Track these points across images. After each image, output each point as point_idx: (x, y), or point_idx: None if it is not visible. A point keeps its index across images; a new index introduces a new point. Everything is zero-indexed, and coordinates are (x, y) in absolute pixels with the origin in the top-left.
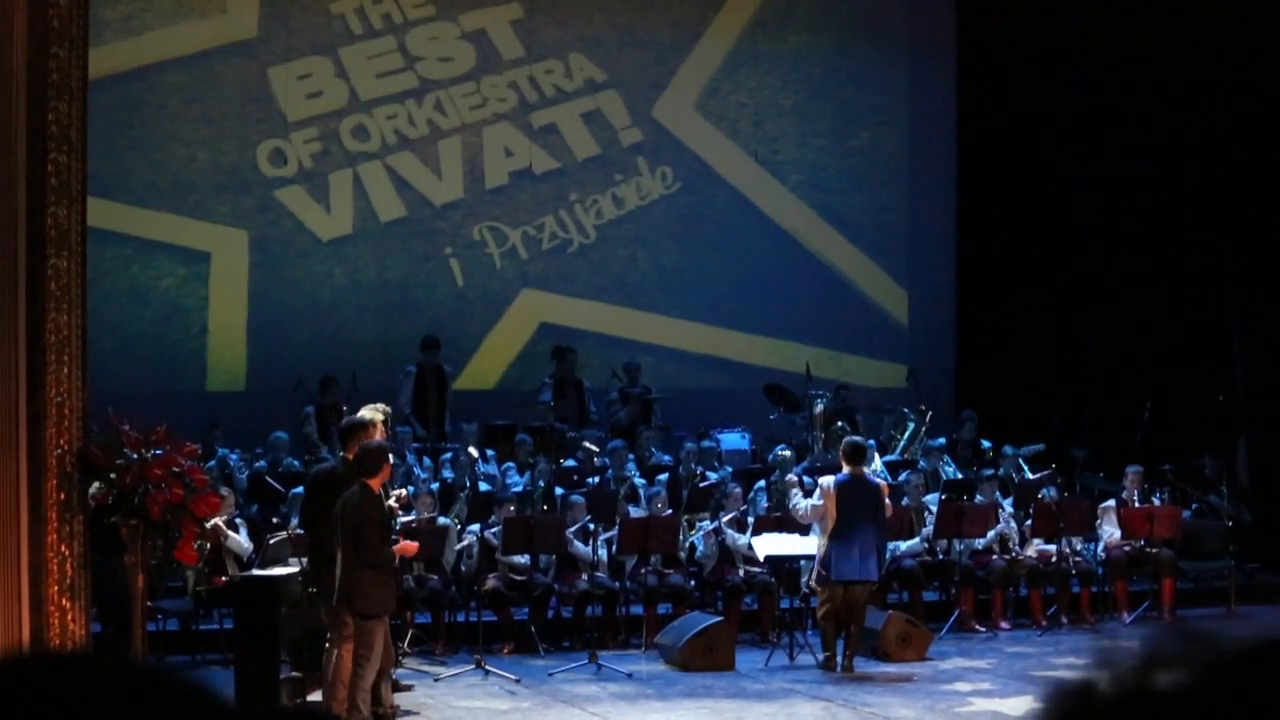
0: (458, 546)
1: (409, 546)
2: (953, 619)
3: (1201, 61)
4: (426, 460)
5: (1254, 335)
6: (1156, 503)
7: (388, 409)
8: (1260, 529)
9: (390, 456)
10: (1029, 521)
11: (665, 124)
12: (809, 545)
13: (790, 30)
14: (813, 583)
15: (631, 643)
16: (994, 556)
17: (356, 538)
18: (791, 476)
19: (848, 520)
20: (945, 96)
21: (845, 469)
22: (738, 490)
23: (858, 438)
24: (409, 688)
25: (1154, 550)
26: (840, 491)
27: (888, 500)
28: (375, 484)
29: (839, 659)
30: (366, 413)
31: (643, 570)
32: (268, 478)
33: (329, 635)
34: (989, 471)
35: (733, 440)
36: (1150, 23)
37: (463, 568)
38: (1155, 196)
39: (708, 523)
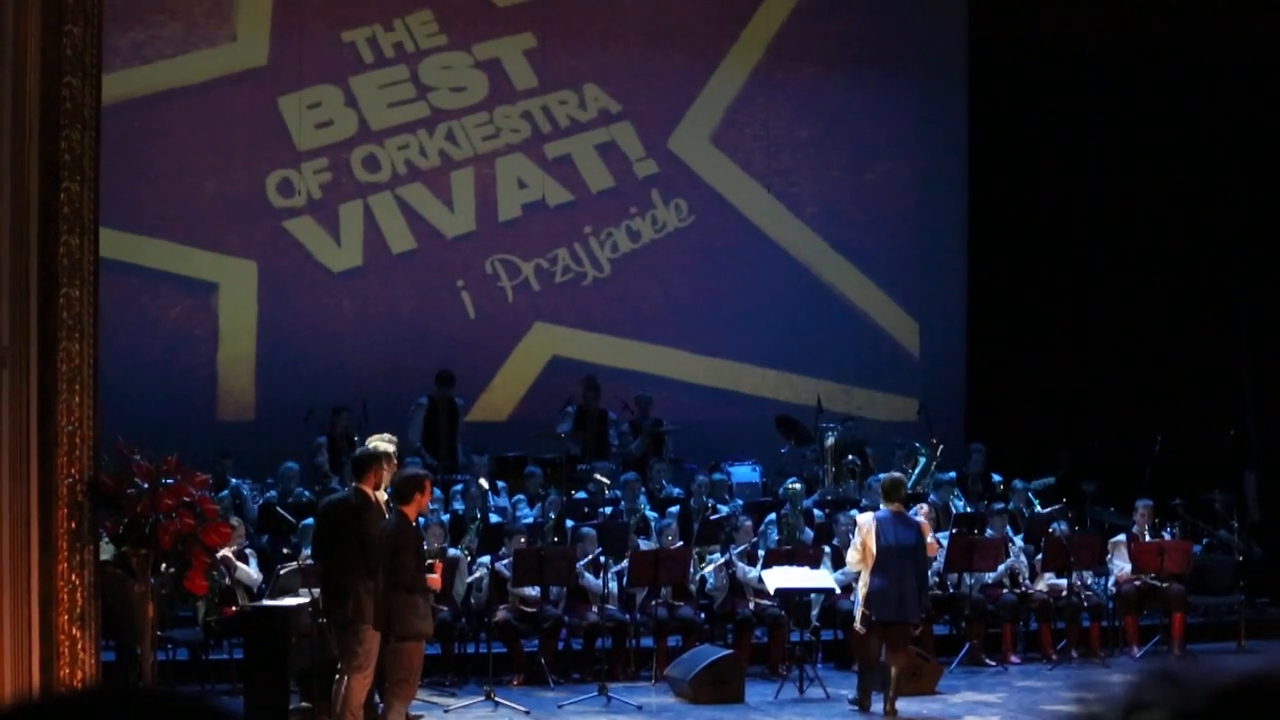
0: (468, 578)
1: (434, 580)
2: (963, 653)
3: (1218, 94)
4: (437, 492)
5: (1265, 370)
6: (1167, 537)
7: (395, 439)
8: (1271, 564)
9: (425, 486)
10: (1039, 555)
11: (680, 156)
12: (819, 579)
13: (805, 62)
14: (859, 625)
15: (641, 675)
16: (1004, 590)
17: (393, 562)
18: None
19: (887, 558)
20: (957, 128)
21: (884, 506)
22: (748, 523)
23: (897, 474)
24: (418, 718)
25: (1164, 585)
26: (879, 528)
27: (930, 538)
28: (411, 511)
29: (880, 699)
30: (379, 444)
31: (653, 603)
32: (278, 508)
33: (340, 665)
34: (999, 505)
35: (744, 473)
36: (1166, 55)
37: (473, 599)
38: (1168, 230)
39: (718, 555)
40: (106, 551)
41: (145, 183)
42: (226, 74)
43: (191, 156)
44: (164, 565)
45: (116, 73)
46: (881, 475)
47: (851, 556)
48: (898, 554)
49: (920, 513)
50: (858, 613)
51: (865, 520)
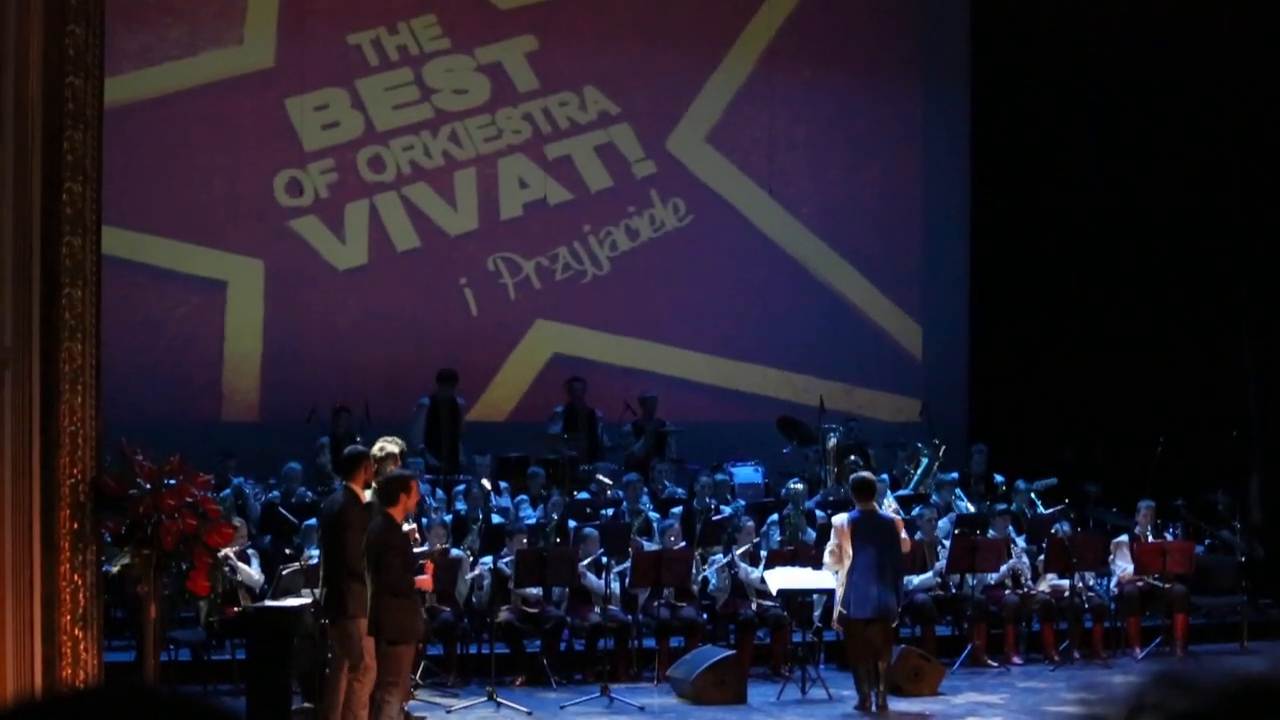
0: (469, 577)
1: (425, 581)
2: (965, 654)
3: (1219, 98)
4: (439, 492)
5: (1268, 370)
6: (1169, 538)
7: (401, 442)
8: (1273, 564)
9: (410, 486)
10: (1042, 556)
11: (678, 156)
12: (821, 579)
13: (803, 63)
14: (835, 623)
15: (644, 676)
16: (1007, 591)
17: (379, 565)
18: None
19: (863, 557)
20: (959, 129)
21: (856, 506)
22: (750, 524)
23: (866, 473)
24: (421, 719)
25: (1167, 585)
26: (853, 528)
27: (904, 535)
28: (396, 513)
29: (873, 698)
30: (388, 446)
31: (655, 603)
32: (280, 508)
33: (330, 665)
34: (1002, 506)
35: (746, 473)
36: (1169, 56)
37: (475, 600)
38: (1170, 230)
39: (720, 556)
40: (122, 558)
41: (154, 183)
42: (234, 76)
43: (200, 157)
44: (170, 565)
45: (125, 75)
46: (861, 474)
47: (827, 560)
48: (873, 553)
49: (892, 508)
50: (835, 611)
51: (840, 521)
